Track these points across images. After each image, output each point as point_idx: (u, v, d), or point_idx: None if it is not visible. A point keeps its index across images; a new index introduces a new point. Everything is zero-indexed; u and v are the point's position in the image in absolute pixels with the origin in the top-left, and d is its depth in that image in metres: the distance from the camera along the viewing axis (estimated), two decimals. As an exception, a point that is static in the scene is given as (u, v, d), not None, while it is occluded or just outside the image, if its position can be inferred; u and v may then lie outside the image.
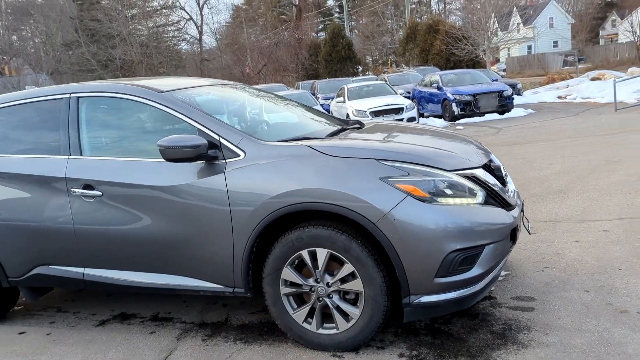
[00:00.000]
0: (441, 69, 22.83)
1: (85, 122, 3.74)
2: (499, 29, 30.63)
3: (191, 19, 48.81)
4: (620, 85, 17.35)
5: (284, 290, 3.16)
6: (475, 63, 25.27)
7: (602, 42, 50.01)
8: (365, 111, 13.68)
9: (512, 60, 44.35)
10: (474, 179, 3.07)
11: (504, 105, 15.08)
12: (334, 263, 3.05)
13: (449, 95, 15.03)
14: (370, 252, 2.93)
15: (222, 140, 3.25)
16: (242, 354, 3.23)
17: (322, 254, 3.02)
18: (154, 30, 45.78)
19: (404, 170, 2.94)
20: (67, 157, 3.65)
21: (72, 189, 3.56)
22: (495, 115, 15.27)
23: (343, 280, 3.03)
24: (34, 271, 3.82)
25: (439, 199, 2.90)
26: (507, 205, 3.20)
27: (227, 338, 3.46)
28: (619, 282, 3.62)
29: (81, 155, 3.64)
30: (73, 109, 3.74)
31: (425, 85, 16.80)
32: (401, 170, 2.94)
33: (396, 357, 3.00)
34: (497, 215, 3.06)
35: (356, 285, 2.98)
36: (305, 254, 3.06)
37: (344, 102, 14.88)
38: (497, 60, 48.98)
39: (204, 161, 3.24)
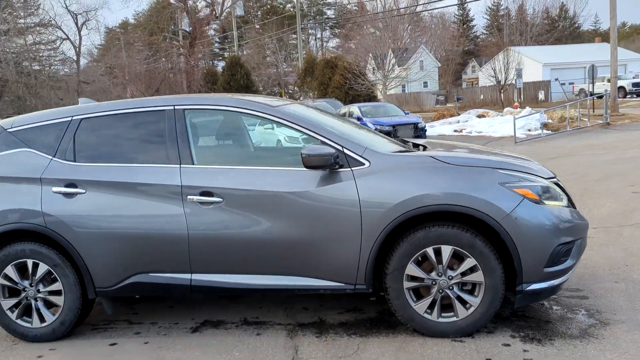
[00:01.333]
0: (342, 102, 24.14)
1: (192, 133, 3.89)
2: (375, 68, 33.16)
3: (68, 38, 46.33)
4: (506, 122, 19.64)
5: (407, 284, 3.58)
6: (371, 98, 27.09)
7: (464, 84, 55.53)
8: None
9: (391, 98, 47.62)
10: (559, 185, 3.76)
11: (419, 136, 16.46)
12: (452, 259, 3.53)
13: (370, 125, 16.10)
14: (491, 247, 3.47)
15: (346, 151, 3.63)
16: (369, 345, 3.57)
17: (446, 250, 3.49)
18: (27, 48, 42.78)
19: (517, 177, 3.54)
20: (179, 165, 3.77)
21: (189, 196, 3.69)
22: (411, 146, 16.82)
23: (463, 274, 3.52)
24: (130, 280, 3.84)
25: (545, 201, 3.53)
26: (575, 208, 3.92)
27: (338, 334, 3.76)
28: (635, 274, 4.49)
29: (193, 164, 3.78)
30: (180, 120, 3.88)
31: (344, 116, 17.80)
32: (514, 177, 3.54)
33: (509, 337, 3.54)
34: (579, 216, 3.75)
35: (477, 276, 3.50)
36: (430, 250, 3.51)
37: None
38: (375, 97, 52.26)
39: (328, 170, 3.58)
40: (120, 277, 3.86)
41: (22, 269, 3.96)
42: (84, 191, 3.84)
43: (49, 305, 3.99)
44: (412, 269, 3.56)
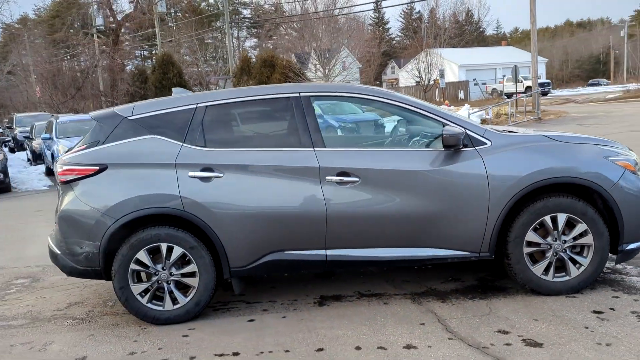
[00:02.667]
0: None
1: (318, 119, 4.15)
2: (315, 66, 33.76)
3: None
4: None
5: (526, 250, 4.06)
6: (311, 96, 27.59)
7: (384, 85, 57.59)
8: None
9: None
10: (636, 159, 4.41)
11: (377, 132, 17.19)
12: (565, 225, 4.06)
13: (333, 122, 16.55)
14: (600, 213, 4.03)
15: (469, 132, 4.06)
16: (495, 305, 4.01)
17: (562, 218, 4.02)
18: None
19: (615, 152, 4.14)
20: (312, 149, 4.02)
21: (327, 177, 3.95)
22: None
23: (575, 238, 4.06)
24: (266, 258, 4.03)
25: (638, 172, 4.15)
26: None
27: (459, 299, 4.18)
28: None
29: (324, 147, 4.04)
30: (308, 106, 4.12)
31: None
32: (613, 152, 4.13)
33: (610, 291, 4.11)
34: None
35: (588, 240, 4.05)
36: (547, 219, 4.02)
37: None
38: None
39: (453, 149, 3.99)
40: (255, 256, 4.03)
41: (153, 253, 4.02)
42: (221, 175, 3.98)
43: (181, 287, 4.08)
44: (531, 236, 4.04)
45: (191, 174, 3.99)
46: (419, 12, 62.34)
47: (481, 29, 66.67)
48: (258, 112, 4.29)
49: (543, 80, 41.12)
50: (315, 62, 39.44)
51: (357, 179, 3.97)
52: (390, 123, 5.47)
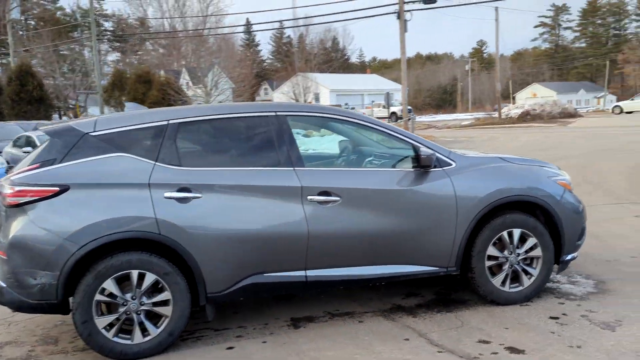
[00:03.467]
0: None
1: (294, 138, 4.14)
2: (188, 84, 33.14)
3: None
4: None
5: (487, 263, 4.37)
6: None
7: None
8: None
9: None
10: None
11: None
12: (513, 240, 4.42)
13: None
14: (546, 228, 4.46)
15: (437, 154, 4.29)
16: (465, 316, 4.25)
17: (517, 233, 4.39)
18: None
19: (555, 173, 4.61)
20: (292, 168, 3.99)
21: (308, 196, 3.95)
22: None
23: (526, 251, 4.44)
24: (245, 282, 3.91)
25: (572, 192, 4.66)
26: None
27: (428, 314, 4.36)
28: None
29: (304, 166, 4.04)
30: (283, 125, 4.09)
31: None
32: (553, 172, 4.61)
33: (554, 298, 4.55)
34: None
35: (537, 252, 4.45)
36: (505, 234, 4.37)
37: None
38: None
39: (426, 169, 4.21)
40: (234, 279, 3.88)
41: (121, 281, 3.70)
42: (200, 195, 3.79)
43: (152, 317, 3.79)
44: (491, 250, 4.35)
45: (167, 194, 3.75)
46: (289, 36, 63.85)
47: (346, 57, 70.00)
48: (234, 130, 4.15)
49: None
50: (186, 79, 38.66)
51: (338, 198, 4.00)
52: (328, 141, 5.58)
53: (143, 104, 28.11)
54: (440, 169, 4.27)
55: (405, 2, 24.76)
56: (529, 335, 3.83)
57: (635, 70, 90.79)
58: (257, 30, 60.30)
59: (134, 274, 3.69)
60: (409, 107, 48.76)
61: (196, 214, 3.78)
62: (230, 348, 3.87)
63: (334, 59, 61.76)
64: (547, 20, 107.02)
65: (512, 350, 3.62)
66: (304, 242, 3.95)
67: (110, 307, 3.73)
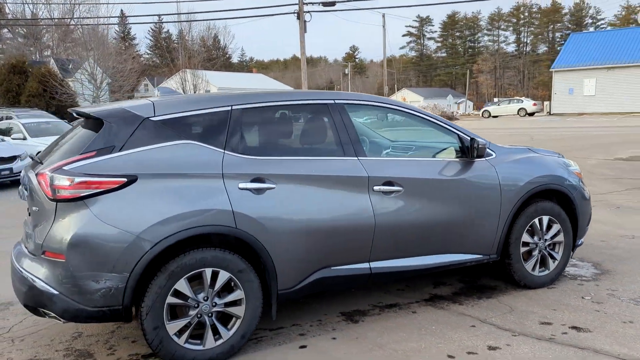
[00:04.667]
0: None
1: (356, 126, 4.02)
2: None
3: None
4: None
5: (522, 249, 4.56)
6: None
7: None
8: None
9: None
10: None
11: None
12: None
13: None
14: (567, 215, 4.76)
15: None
16: (507, 300, 4.39)
17: (545, 220, 4.64)
18: None
19: (569, 163, 4.93)
20: (356, 157, 3.87)
21: (374, 187, 3.85)
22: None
23: (552, 237, 4.70)
24: (314, 276, 3.73)
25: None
26: None
27: (471, 300, 4.45)
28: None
29: (366, 156, 3.94)
30: (344, 113, 3.96)
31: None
32: (568, 162, 4.92)
33: (571, 280, 4.87)
34: None
35: (560, 237, 4.73)
36: (536, 221, 4.59)
37: (24, 139, 13.17)
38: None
39: (471, 159, 4.30)
40: (303, 275, 3.68)
41: (192, 282, 3.34)
42: (274, 186, 3.54)
43: (223, 319, 3.47)
44: (525, 237, 4.55)
45: (242, 185, 3.45)
46: (168, 31, 61.46)
47: (228, 55, 68.96)
48: (296, 118, 3.93)
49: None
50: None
51: (400, 188, 3.95)
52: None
53: (19, 96, 25.49)
54: (484, 159, 4.38)
55: (305, 4, 25.00)
56: (581, 315, 4.06)
57: (487, 79, 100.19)
58: (133, 23, 57.09)
59: (207, 272, 3.35)
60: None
61: (270, 206, 3.52)
62: (303, 347, 3.66)
63: (216, 57, 60.56)
64: (413, 30, 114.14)
65: (578, 329, 3.81)
66: (370, 233, 3.84)
67: (179, 311, 3.36)
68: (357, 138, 3.95)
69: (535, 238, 4.62)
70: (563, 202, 4.76)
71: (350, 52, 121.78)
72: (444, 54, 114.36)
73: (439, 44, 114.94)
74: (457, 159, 4.29)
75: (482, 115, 43.59)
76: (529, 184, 4.45)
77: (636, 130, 23.27)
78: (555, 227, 4.68)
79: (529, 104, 42.77)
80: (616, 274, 4.99)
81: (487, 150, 4.42)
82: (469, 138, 4.31)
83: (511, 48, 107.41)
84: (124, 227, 3.14)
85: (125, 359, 3.57)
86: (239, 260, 3.43)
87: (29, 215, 3.63)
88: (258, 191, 3.49)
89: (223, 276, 3.39)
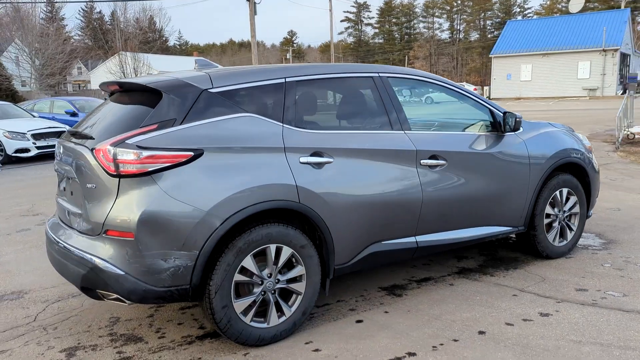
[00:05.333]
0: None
1: (399, 100, 3.99)
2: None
3: None
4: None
5: (545, 221, 4.70)
6: (14, 93, 23.31)
7: (70, 87, 52.30)
8: (25, 134, 11.96)
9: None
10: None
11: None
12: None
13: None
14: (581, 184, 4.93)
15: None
16: (535, 270, 4.52)
17: (564, 192, 4.80)
18: None
19: (582, 138, 5.11)
20: (403, 131, 3.86)
21: (421, 160, 3.85)
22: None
23: (570, 209, 4.87)
24: (366, 251, 3.70)
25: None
26: None
27: (499, 271, 4.55)
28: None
29: (411, 130, 3.92)
30: (388, 87, 3.93)
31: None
32: (579, 136, 5.10)
33: (583, 249, 5.08)
34: None
35: (577, 209, 4.91)
36: (557, 193, 4.74)
37: None
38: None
39: (504, 133, 4.38)
40: (357, 249, 3.64)
41: (257, 258, 3.24)
42: (332, 160, 3.46)
43: (285, 296, 3.38)
44: (548, 209, 4.70)
45: (303, 159, 3.35)
46: (100, 12, 58.75)
47: (165, 38, 66.82)
48: (346, 91, 3.85)
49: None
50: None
51: (444, 162, 3.96)
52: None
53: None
54: (513, 133, 4.46)
55: (254, -16, 24.51)
56: (610, 281, 4.23)
57: (423, 65, 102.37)
58: (61, 2, 53.91)
59: (272, 248, 3.25)
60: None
61: (329, 180, 3.44)
62: (360, 321, 3.62)
63: (153, 40, 58.55)
64: (351, 16, 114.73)
65: (614, 294, 3.98)
66: (418, 207, 3.84)
67: (243, 289, 3.24)
68: (403, 111, 3.93)
69: (556, 210, 4.77)
70: (578, 175, 4.94)
71: (288, 37, 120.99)
72: (382, 40, 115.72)
73: (377, 30, 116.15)
74: (490, 133, 4.35)
75: (425, 102, 44.55)
76: (553, 158, 4.58)
77: (575, 113, 24.52)
78: (573, 199, 4.85)
79: (469, 89, 44.00)
80: (622, 242, 5.24)
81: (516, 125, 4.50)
82: (501, 113, 4.38)
83: (445, 35, 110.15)
84: (194, 203, 2.98)
85: (178, 341, 3.42)
86: (301, 236, 3.35)
87: (68, 192, 3.39)
88: (318, 165, 3.41)
89: (286, 252, 3.30)
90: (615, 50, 39.75)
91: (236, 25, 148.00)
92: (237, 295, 3.18)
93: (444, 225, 4.06)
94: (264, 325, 3.28)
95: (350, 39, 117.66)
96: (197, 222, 2.98)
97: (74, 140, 3.41)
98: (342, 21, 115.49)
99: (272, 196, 3.20)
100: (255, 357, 3.18)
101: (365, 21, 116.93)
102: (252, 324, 3.23)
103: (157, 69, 44.07)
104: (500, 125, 4.34)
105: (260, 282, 3.24)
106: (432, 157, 3.91)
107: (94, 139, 3.17)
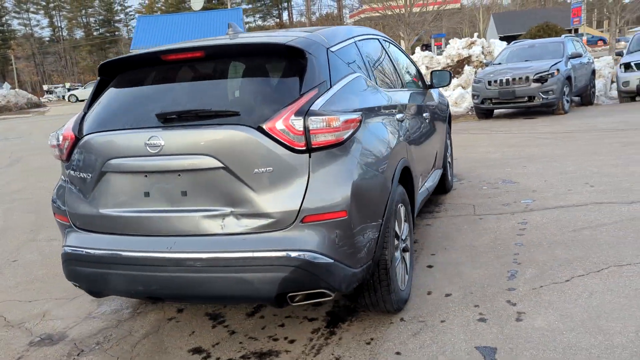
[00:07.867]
0: None
1: None
2: None
3: None
4: None
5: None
6: None
7: None
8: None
9: None
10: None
11: None
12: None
13: None
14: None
15: None
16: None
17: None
18: None
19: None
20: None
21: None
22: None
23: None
24: (419, 200, 4.04)
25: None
26: None
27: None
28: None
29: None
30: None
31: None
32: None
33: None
34: None
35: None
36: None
37: None
38: None
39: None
40: (419, 201, 3.95)
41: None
42: (404, 116, 3.65)
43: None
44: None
45: (398, 117, 3.46)
46: None
47: None
48: (379, 51, 4.02)
49: None
50: None
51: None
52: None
53: None
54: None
55: None
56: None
57: (28, 65, 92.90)
58: None
59: (401, 210, 3.25)
60: None
61: (407, 132, 3.62)
62: (430, 266, 3.85)
63: None
64: None
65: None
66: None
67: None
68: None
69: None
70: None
71: None
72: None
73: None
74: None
75: (69, 100, 41.84)
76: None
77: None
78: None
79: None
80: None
81: None
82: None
83: (47, 33, 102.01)
84: (375, 169, 2.78)
85: (323, 332, 3.04)
86: (406, 194, 3.40)
87: (170, 195, 2.59)
88: (401, 121, 3.51)
89: (402, 211, 3.31)
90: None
91: None
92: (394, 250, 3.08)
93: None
94: (403, 287, 3.24)
95: None
96: (381, 188, 2.81)
97: (179, 124, 2.59)
98: None
99: (402, 154, 3.21)
100: (410, 320, 3.12)
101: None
102: (401, 287, 3.17)
103: None
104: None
105: (402, 245, 3.22)
106: None
107: (239, 114, 2.54)
